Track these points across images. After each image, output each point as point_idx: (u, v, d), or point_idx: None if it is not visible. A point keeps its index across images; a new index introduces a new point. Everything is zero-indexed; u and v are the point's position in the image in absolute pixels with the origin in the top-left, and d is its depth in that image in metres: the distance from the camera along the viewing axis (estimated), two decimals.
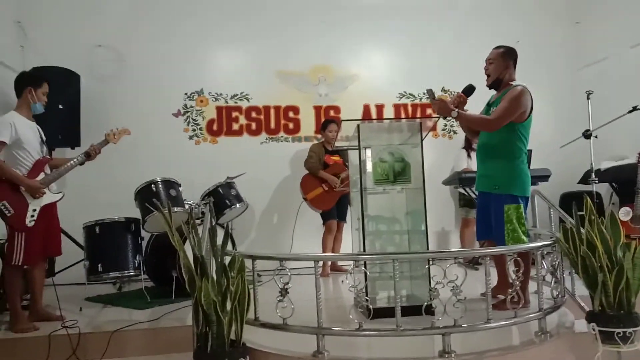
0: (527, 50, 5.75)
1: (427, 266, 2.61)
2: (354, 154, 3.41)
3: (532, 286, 3.12)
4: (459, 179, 5.03)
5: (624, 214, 4.65)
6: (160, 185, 4.06)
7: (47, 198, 3.46)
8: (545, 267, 3.02)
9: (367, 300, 2.47)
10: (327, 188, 4.91)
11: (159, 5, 5.50)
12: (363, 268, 2.52)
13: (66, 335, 3.07)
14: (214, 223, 3.02)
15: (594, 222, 2.77)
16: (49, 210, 3.50)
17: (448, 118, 3.34)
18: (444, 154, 5.63)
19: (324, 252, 4.90)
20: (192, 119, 5.54)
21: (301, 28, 5.67)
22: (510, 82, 3.31)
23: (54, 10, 5.27)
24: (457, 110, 3.20)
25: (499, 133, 3.27)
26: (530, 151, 5.00)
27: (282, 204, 5.45)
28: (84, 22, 5.32)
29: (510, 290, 2.61)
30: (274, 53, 5.66)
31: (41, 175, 3.46)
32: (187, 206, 4.19)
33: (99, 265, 3.89)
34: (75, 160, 3.62)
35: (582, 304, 3.02)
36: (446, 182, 5.33)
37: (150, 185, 4.04)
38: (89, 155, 3.64)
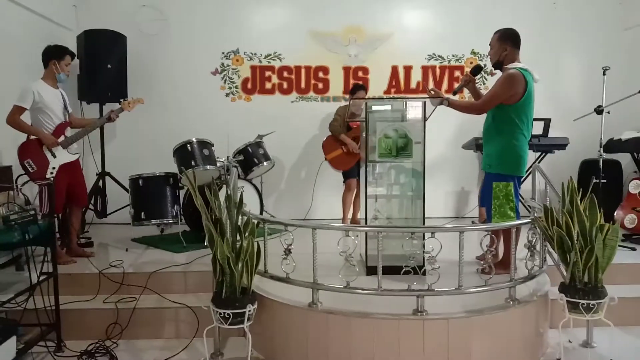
0: (564, 14, 5.79)
1: (407, 239, 2.99)
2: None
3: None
4: (475, 145, 5.26)
5: (634, 186, 4.80)
6: (195, 145, 4.54)
7: (65, 157, 4.01)
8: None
9: (353, 264, 2.89)
10: (347, 150, 5.18)
11: None
12: (352, 237, 2.92)
13: (113, 274, 3.71)
14: (237, 185, 3.44)
15: (574, 204, 3.05)
16: (71, 168, 4.08)
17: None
18: None
19: (343, 208, 5.30)
20: (228, 77, 5.93)
21: None
22: (507, 65, 3.47)
23: None
24: (447, 98, 3.50)
25: (492, 115, 3.52)
26: (549, 120, 5.17)
27: (309, 160, 5.86)
28: None
29: (482, 262, 2.98)
30: (307, 13, 5.89)
31: (61, 138, 4.00)
32: (218, 163, 4.67)
33: (142, 213, 4.48)
34: (97, 121, 4.28)
35: (565, 273, 3.33)
36: (465, 147, 5.56)
37: (186, 145, 4.53)
38: (109, 119, 4.22)
